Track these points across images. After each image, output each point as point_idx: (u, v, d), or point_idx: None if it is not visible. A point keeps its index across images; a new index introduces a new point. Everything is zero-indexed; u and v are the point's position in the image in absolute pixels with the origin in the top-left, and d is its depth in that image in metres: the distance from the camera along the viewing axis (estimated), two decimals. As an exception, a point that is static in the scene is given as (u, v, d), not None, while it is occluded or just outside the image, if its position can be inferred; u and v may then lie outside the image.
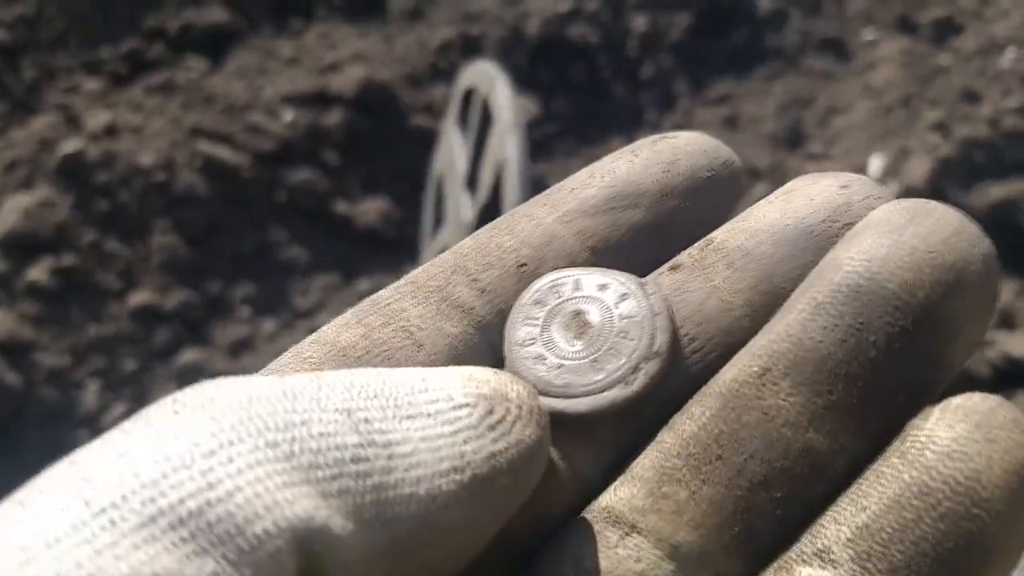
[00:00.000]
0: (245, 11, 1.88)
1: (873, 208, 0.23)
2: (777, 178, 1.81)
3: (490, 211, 1.27)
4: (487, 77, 1.37)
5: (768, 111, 1.90)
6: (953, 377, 0.22)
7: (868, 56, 1.98)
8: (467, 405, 0.19)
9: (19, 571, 0.14)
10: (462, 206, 1.38)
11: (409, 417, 0.18)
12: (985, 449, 0.19)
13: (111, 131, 1.62)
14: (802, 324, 0.21)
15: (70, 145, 1.57)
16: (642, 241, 0.25)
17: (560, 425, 0.22)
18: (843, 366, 0.21)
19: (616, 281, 0.24)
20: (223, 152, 1.64)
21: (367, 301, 0.24)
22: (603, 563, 0.20)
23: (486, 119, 1.34)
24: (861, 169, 1.79)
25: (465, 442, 0.18)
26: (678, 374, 0.23)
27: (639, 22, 1.97)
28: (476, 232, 0.26)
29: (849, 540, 0.20)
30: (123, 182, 1.57)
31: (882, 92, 1.90)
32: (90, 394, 1.42)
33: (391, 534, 0.17)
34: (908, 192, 1.74)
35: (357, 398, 0.18)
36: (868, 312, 0.21)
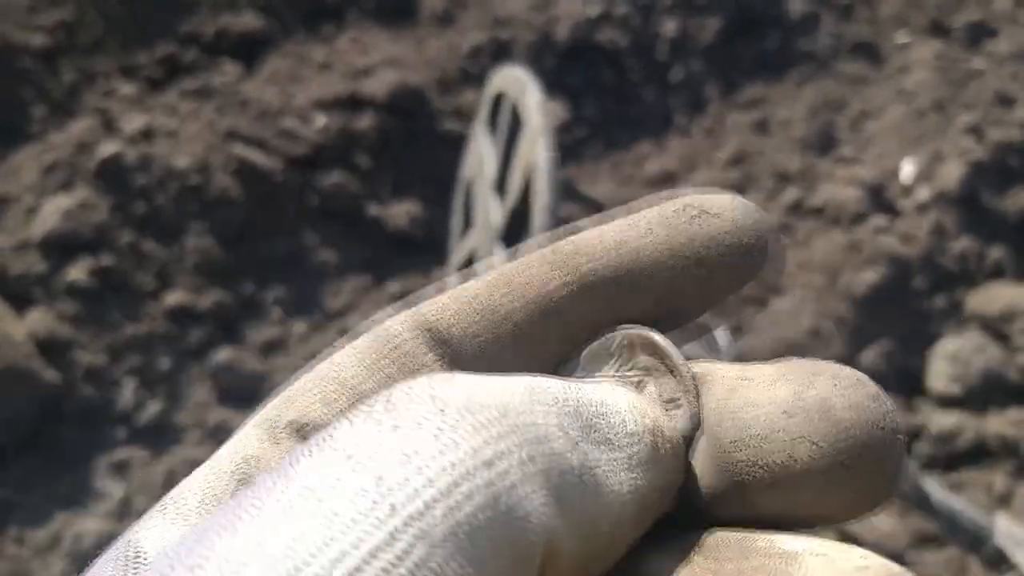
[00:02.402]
0: (278, 17, 1.90)
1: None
2: (807, 183, 1.80)
3: (519, 215, 1.27)
4: (517, 81, 1.38)
5: (799, 115, 1.89)
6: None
7: (901, 60, 1.96)
8: (637, 435, 0.20)
9: (333, 569, 0.15)
10: (491, 209, 1.38)
11: (599, 443, 0.19)
12: None
13: (148, 134, 1.65)
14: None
15: (108, 148, 1.60)
16: (641, 315, 0.24)
17: None
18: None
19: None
20: (257, 156, 1.66)
21: (380, 341, 0.23)
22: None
23: (516, 123, 1.35)
24: (893, 173, 1.78)
25: (640, 478, 0.20)
26: None
27: (669, 26, 1.97)
28: (478, 275, 0.25)
29: None
30: (159, 185, 1.60)
31: (915, 96, 1.88)
32: (126, 391, 1.45)
33: (591, 546, 0.19)
34: (941, 196, 1.72)
35: (563, 415, 0.19)
36: None
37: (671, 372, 0.24)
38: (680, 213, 0.25)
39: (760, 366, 0.22)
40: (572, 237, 0.25)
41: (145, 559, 0.19)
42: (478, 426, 0.17)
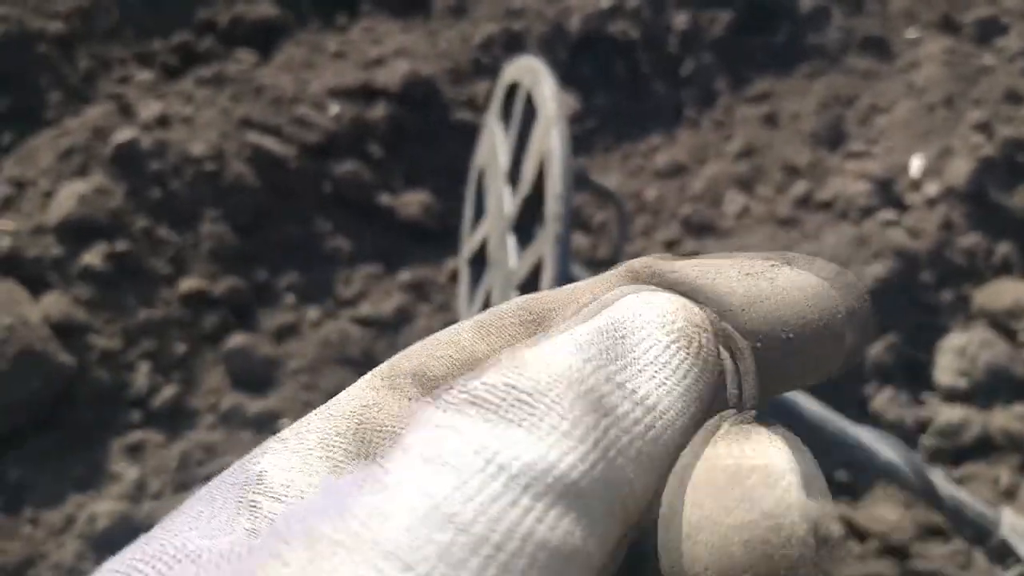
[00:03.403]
0: (293, 5, 1.91)
1: None
2: (816, 176, 1.80)
3: (532, 204, 1.28)
4: (531, 71, 1.39)
5: (809, 109, 1.90)
6: None
7: (911, 55, 1.97)
8: (674, 344, 0.20)
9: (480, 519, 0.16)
10: (504, 199, 1.39)
11: (641, 371, 0.20)
12: None
13: (163, 121, 1.66)
14: None
15: (124, 134, 1.61)
16: None
17: None
18: None
19: None
20: (271, 143, 1.67)
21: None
22: None
23: (529, 113, 1.36)
24: (902, 168, 1.79)
25: (689, 388, 0.20)
26: None
27: (680, 19, 1.98)
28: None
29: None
30: (175, 171, 1.61)
31: (924, 91, 1.89)
32: (140, 375, 1.46)
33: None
34: (950, 192, 1.73)
35: (607, 362, 0.20)
36: None
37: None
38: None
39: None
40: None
41: (268, 481, 0.19)
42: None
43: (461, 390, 0.18)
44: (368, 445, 0.20)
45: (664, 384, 0.19)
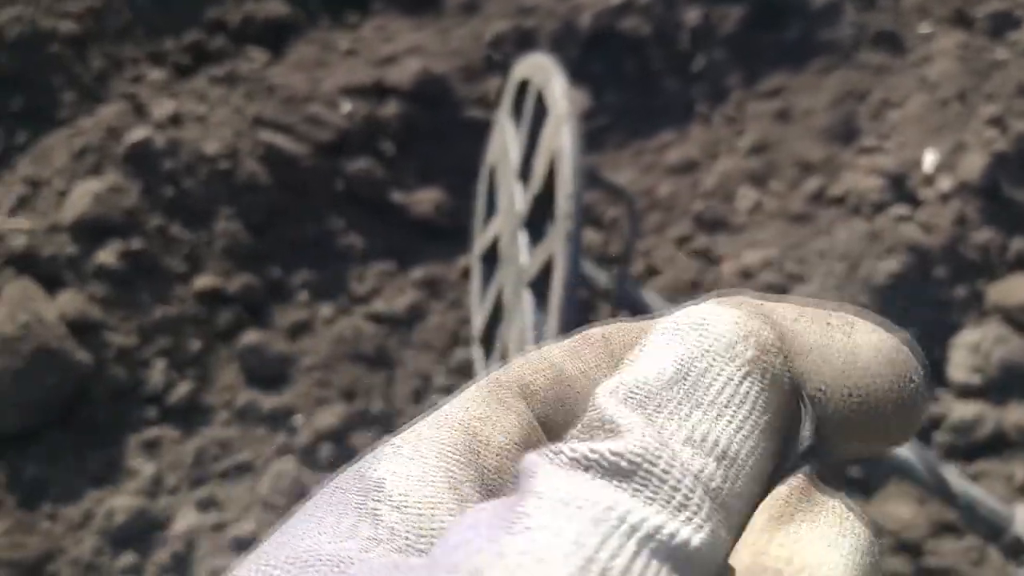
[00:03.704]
0: (304, 4, 1.92)
1: None
2: (830, 172, 1.80)
3: (543, 201, 1.29)
4: (542, 69, 1.39)
5: (821, 104, 1.90)
6: None
7: (924, 50, 1.96)
8: (747, 380, 0.20)
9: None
10: (515, 196, 1.40)
11: (718, 418, 0.20)
12: None
13: (176, 120, 1.67)
14: None
15: (137, 133, 1.62)
16: None
17: None
18: None
19: None
20: (284, 142, 1.68)
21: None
22: None
23: (540, 110, 1.36)
24: (915, 163, 1.78)
25: (767, 424, 0.20)
26: None
27: (692, 15, 1.97)
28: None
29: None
30: (188, 170, 1.62)
31: (938, 86, 1.88)
32: (156, 372, 1.47)
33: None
34: (963, 187, 1.72)
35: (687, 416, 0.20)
36: None
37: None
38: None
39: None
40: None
41: (388, 489, 0.20)
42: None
43: (591, 451, 0.18)
44: (479, 457, 0.21)
45: (741, 429, 0.20)
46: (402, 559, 0.19)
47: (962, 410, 1.53)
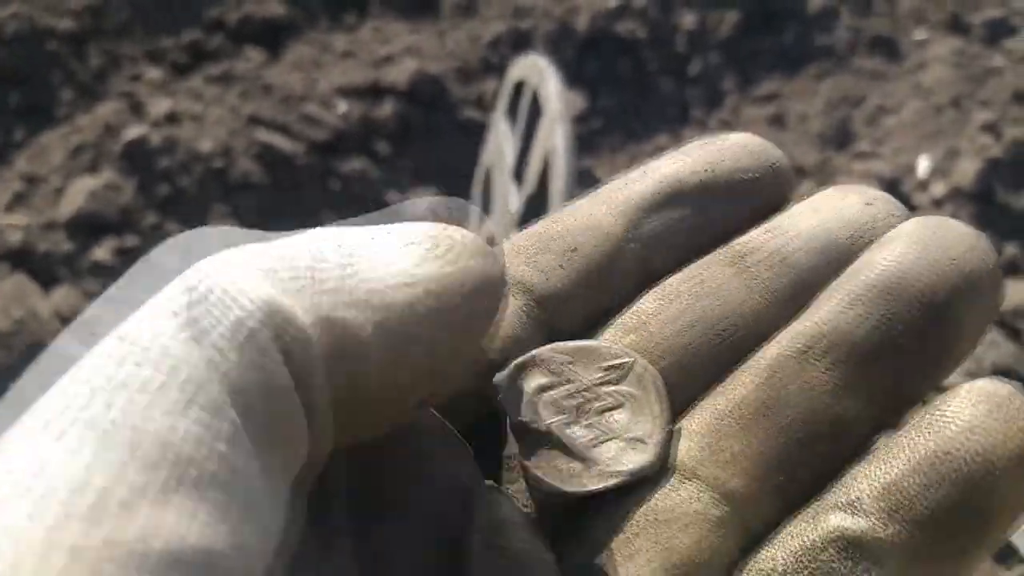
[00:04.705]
0: (302, 5, 1.93)
1: (894, 225, 0.27)
2: (824, 177, 1.81)
3: (537, 201, 1.29)
4: (537, 69, 1.40)
5: (816, 109, 1.90)
6: (955, 368, 0.26)
7: (919, 56, 1.97)
8: (414, 243, 0.21)
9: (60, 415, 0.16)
10: (510, 196, 1.40)
11: (368, 241, 0.21)
12: (1000, 428, 0.22)
13: (173, 118, 1.68)
14: (839, 313, 0.25)
15: (134, 131, 1.63)
16: (686, 235, 0.28)
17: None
18: (873, 352, 0.25)
19: (610, 357, 0.26)
20: (279, 141, 1.69)
21: None
22: (666, 503, 0.24)
23: (535, 111, 1.37)
24: (909, 169, 1.79)
25: (415, 265, 0.20)
26: (713, 363, 0.27)
27: (688, 19, 1.98)
28: (536, 222, 0.29)
29: (878, 494, 0.23)
30: (184, 168, 1.63)
31: (932, 92, 1.89)
32: (149, 370, 1.47)
33: (352, 336, 0.19)
34: (957, 192, 1.73)
35: (315, 240, 0.20)
36: (897, 308, 0.25)
37: (651, 415, 0.25)
38: (696, 144, 0.30)
39: None
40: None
41: None
42: (186, 256, 0.19)
43: None
44: None
45: None
46: None
47: (949, 376, 1.53)
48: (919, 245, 0.25)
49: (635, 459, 0.25)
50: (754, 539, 0.24)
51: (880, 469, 0.23)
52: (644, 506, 0.24)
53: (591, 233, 0.28)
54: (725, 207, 0.28)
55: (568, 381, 0.26)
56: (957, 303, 0.25)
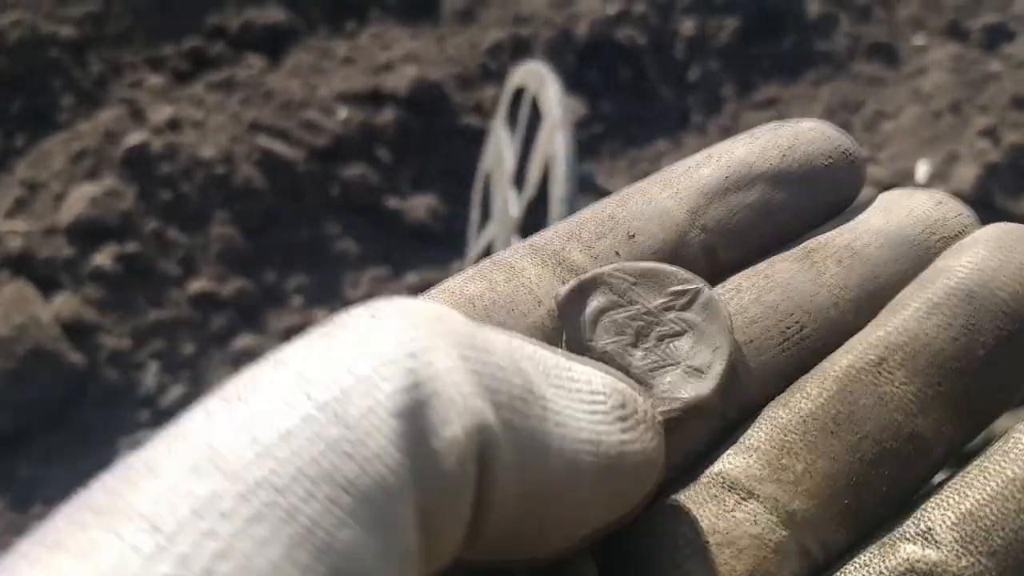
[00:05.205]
0: (302, 12, 1.93)
1: (964, 224, 0.26)
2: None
3: (536, 207, 1.29)
4: (537, 76, 1.40)
5: (815, 115, 1.91)
6: None
7: (917, 61, 1.97)
8: (603, 394, 0.20)
9: (256, 461, 0.15)
10: (509, 202, 1.41)
11: (555, 386, 0.19)
12: None
13: (174, 125, 1.68)
14: (918, 321, 0.23)
15: (135, 138, 1.63)
16: (754, 223, 0.26)
17: None
18: (953, 362, 0.23)
19: (685, 284, 0.25)
20: (280, 147, 1.69)
21: (487, 260, 0.26)
22: (721, 524, 0.22)
23: (535, 117, 1.37)
24: (908, 174, 1.79)
25: (600, 424, 0.19)
26: (777, 357, 0.25)
27: (687, 25, 1.99)
28: (593, 204, 0.27)
29: (953, 524, 0.21)
30: (185, 174, 1.63)
31: (931, 97, 1.89)
32: (150, 375, 1.47)
33: (536, 479, 0.18)
34: (956, 197, 1.73)
35: (517, 351, 0.19)
36: (979, 315, 0.23)
37: (712, 346, 0.24)
38: (767, 127, 0.28)
39: None
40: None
41: None
42: (407, 326, 0.17)
43: None
44: None
45: None
46: None
47: None
48: (1000, 249, 0.24)
49: (692, 389, 0.24)
50: (815, 567, 0.22)
51: (956, 497, 0.22)
52: (697, 526, 0.22)
53: (652, 219, 0.26)
54: (797, 194, 0.27)
55: (631, 303, 0.25)
56: None
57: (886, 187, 1.67)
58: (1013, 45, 1.97)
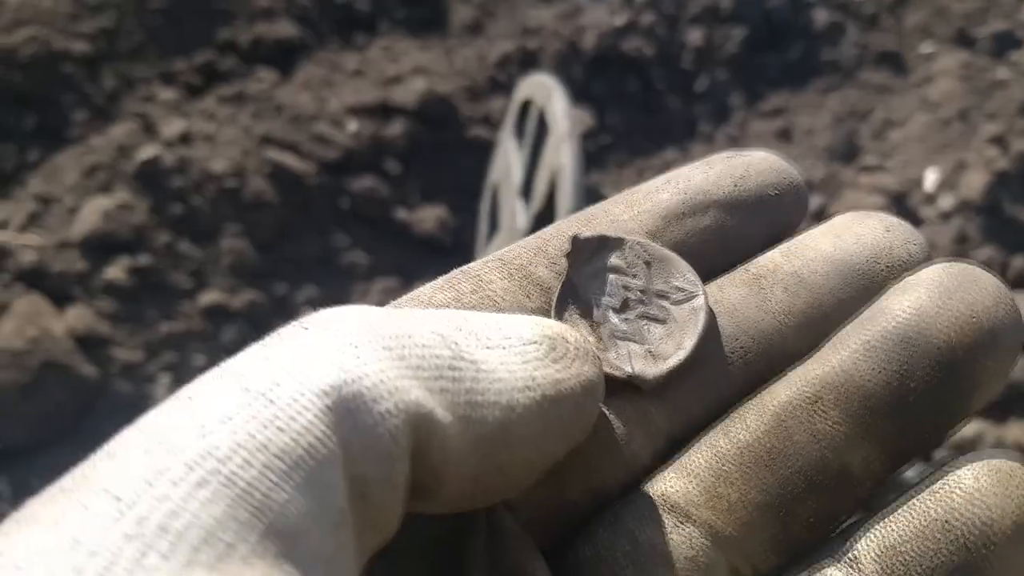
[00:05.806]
0: (313, 26, 1.95)
1: (910, 252, 0.27)
2: (831, 191, 1.81)
3: (543, 218, 1.30)
4: (544, 88, 1.41)
5: (823, 124, 1.91)
6: (968, 422, 0.25)
7: (925, 69, 1.97)
8: (535, 342, 0.22)
9: (200, 439, 0.17)
10: (517, 213, 1.41)
11: (488, 348, 0.21)
12: (1001, 502, 0.22)
13: (186, 139, 1.70)
14: (854, 362, 0.24)
15: (147, 151, 1.64)
16: (707, 245, 0.28)
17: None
18: (885, 405, 0.24)
19: (682, 277, 0.27)
20: (290, 160, 1.70)
21: (458, 271, 0.28)
22: (659, 544, 0.24)
23: (542, 129, 1.38)
24: (917, 182, 1.79)
25: (535, 369, 0.21)
26: (724, 380, 0.26)
27: (694, 36, 2.00)
28: (558, 222, 0.29)
29: (877, 555, 0.23)
30: (196, 187, 1.64)
31: (939, 105, 1.89)
32: (161, 387, 1.49)
33: (479, 432, 0.20)
34: (964, 205, 1.73)
35: (447, 327, 0.21)
36: (913, 362, 0.24)
37: (678, 345, 0.26)
38: (721, 156, 0.30)
39: None
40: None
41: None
42: (333, 331, 0.20)
43: None
44: None
45: None
46: None
47: (962, 428, 1.53)
48: (941, 295, 0.24)
49: (640, 367, 0.25)
50: None
51: (880, 531, 0.23)
52: (634, 541, 0.24)
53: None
54: (747, 221, 0.28)
55: (635, 276, 0.27)
56: (975, 360, 0.24)
57: (895, 196, 1.66)
58: (1021, 52, 1.96)
